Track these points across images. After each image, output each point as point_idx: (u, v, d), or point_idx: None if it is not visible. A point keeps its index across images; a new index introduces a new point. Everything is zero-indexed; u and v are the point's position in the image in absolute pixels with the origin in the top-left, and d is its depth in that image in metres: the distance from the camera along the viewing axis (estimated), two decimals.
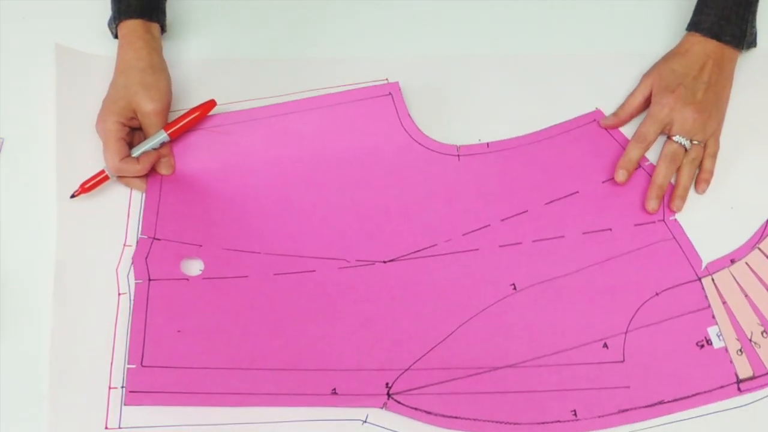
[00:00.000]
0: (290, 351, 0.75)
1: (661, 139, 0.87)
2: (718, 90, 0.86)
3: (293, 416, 0.73)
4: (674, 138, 0.85)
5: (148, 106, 0.81)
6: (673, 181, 0.85)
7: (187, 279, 0.78)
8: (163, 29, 0.88)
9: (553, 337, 0.77)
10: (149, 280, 0.77)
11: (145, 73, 0.82)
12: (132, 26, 0.84)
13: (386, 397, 0.74)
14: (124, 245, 0.80)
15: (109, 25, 0.87)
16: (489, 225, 0.82)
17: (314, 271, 0.79)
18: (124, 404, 0.72)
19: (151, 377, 0.73)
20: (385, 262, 0.80)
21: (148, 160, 0.81)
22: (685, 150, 0.85)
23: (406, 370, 0.75)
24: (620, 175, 0.84)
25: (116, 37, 0.86)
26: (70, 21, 0.92)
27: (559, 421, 0.73)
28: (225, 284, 0.78)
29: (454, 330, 0.77)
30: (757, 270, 0.80)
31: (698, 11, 0.88)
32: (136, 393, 0.72)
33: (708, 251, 0.81)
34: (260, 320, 0.76)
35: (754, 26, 0.89)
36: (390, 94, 0.88)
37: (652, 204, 0.83)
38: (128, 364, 0.74)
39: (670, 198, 0.84)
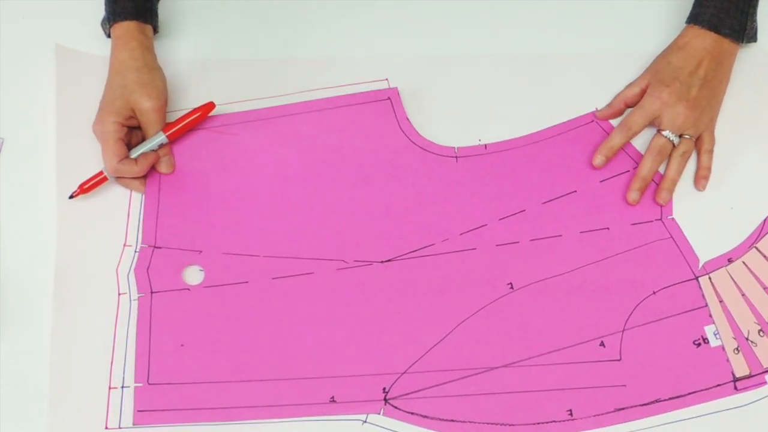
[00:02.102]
0: (290, 360, 0.76)
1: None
2: (714, 86, 0.86)
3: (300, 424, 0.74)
4: (663, 132, 0.85)
5: (146, 103, 0.81)
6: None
7: (188, 289, 0.79)
8: (155, 30, 0.88)
9: (550, 336, 0.77)
10: (152, 292, 0.78)
11: (141, 72, 0.82)
12: (126, 27, 0.84)
13: (383, 402, 0.74)
14: (124, 245, 0.80)
15: (102, 25, 0.88)
16: (486, 225, 0.82)
17: (312, 273, 0.80)
18: (133, 424, 0.73)
19: (157, 395, 0.74)
20: (382, 262, 0.80)
21: (147, 161, 0.82)
22: (673, 145, 0.85)
23: (403, 373, 0.75)
24: (597, 160, 0.85)
25: (109, 36, 0.86)
26: (70, 21, 0.92)
27: (554, 421, 0.74)
28: (225, 292, 0.79)
29: (450, 331, 0.77)
30: (754, 269, 0.80)
31: (698, 4, 0.88)
32: (144, 412, 0.73)
33: (707, 250, 0.81)
34: (260, 329, 0.77)
35: (754, 20, 0.89)
36: (389, 98, 0.88)
37: (632, 195, 0.83)
38: (135, 382, 0.74)
39: (656, 190, 0.84)
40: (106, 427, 0.72)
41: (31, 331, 0.76)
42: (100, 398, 0.73)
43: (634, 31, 0.94)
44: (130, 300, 0.78)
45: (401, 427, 0.73)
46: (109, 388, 0.74)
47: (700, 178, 0.85)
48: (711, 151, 0.86)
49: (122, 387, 0.74)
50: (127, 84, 0.82)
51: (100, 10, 0.86)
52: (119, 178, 0.82)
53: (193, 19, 0.94)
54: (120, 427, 0.72)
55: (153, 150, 0.82)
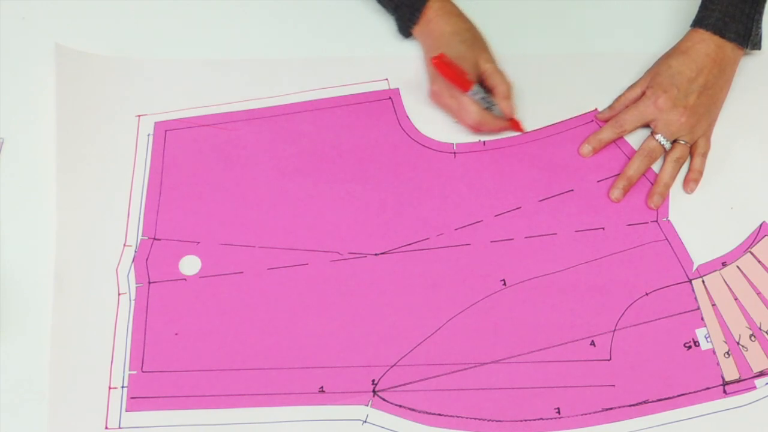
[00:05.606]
0: (281, 349, 0.77)
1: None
2: (714, 92, 0.86)
3: (293, 416, 0.75)
4: (656, 136, 0.85)
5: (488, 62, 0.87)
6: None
7: (185, 279, 0.80)
8: None
9: (541, 333, 0.78)
10: (149, 282, 0.79)
11: (475, 33, 0.89)
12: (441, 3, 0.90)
13: (372, 394, 0.75)
14: (124, 245, 0.81)
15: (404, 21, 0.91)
16: (482, 221, 0.83)
17: (307, 264, 0.81)
18: (126, 411, 0.74)
19: (151, 383, 0.75)
20: (376, 254, 0.81)
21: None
22: (664, 150, 0.85)
23: (393, 366, 0.77)
24: (585, 149, 0.86)
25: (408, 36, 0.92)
26: (70, 21, 0.92)
27: (542, 419, 0.75)
28: (221, 282, 0.80)
29: (441, 325, 0.78)
30: (748, 273, 0.81)
31: (703, 7, 0.88)
32: (137, 399, 0.74)
33: (702, 253, 0.82)
34: (253, 319, 0.78)
35: (759, 27, 0.88)
36: (390, 98, 0.89)
37: (615, 193, 0.84)
38: (129, 370, 0.76)
39: (648, 193, 0.85)
40: (106, 427, 0.73)
41: (31, 331, 0.77)
42: (100, 398, 0.74)
43: (634, 31, 0.94)
44: (130, 300, 0.78)
45: (401, 427, 0.74)
46: (109, 388, 0.75)
47: (690, 181, 0.85)
48: (704, 155, 0.86)
49: (122, 387, 0.75)
50: (467, 41, 0.87)
51: (100, 10, 0.86)
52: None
53: (198, 20, 0.94)
54: (120, 427, 0.73)
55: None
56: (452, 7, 0.89)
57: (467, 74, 0.83)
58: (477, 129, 0.86)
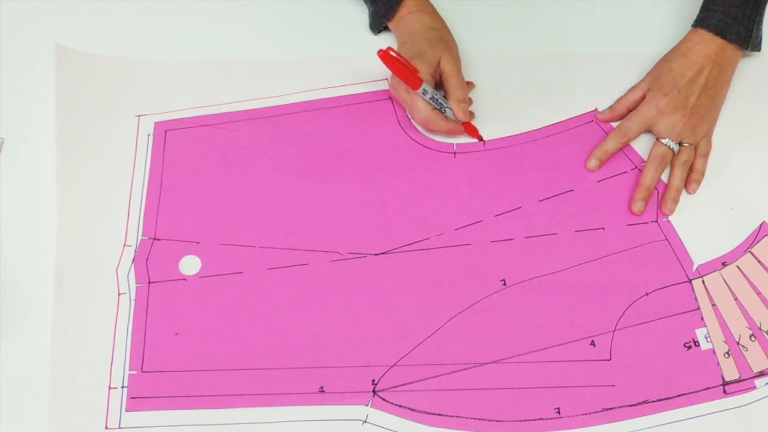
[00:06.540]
0: (281, 349, 0.77)
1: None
2: (714, 93, 0.86)
3: (293, 416, 0.75)
4: (662, 141, 0.85)
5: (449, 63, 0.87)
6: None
7: (185, 279, 0.80)
8: None
9: (541, 333, 0.78)
10: (149, 282, 0.79)
11: (442, 32, 0.89)
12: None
13: (372, 394, 0.75)
14: (124, 245, 0.81)
15: (376, 19, 0.91)
16: (482, 220, 0.83)
17: (307, 264, 0.81)
18: (126, 411, 0.74)
19: (151, 383, 0.75)
20: (376, 254, 0.81)
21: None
22: (674, 153, 0.85)
23: (393, 366, 0.77)
24: (591, 163, 0.86)
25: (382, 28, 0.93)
26: (70, 21, 0.92)
27: (542, 419, 0.75)
28: (220, 282, 0.80)
29: (441, 325, 0.78)
30: (748, 274, 0.81)
31: (705, 8, 0.88)
32: (137, 399, 0.74)
33: (702, 253, 0.81)
34: (253, 319, 0.78)
35: (760, 29, 0.89)
36: (390, 98, 0.89)
37: (638, 206, 0.83)
38: (129, 370, 0.76)
39: (662, 200, 0.84)
40: (106, 427, 0.73)
41: (31, 331, 0.77)
42: (100, 398, 0.74)
43: (634, 31, 0.94)
44: (130, 300, 0.78)
45: (401, 427, 0.74)
46: (109, 388, 0.75)
47: (692, 181, 0.85)
48: (706, 156, 0.86)
49: (122, 387, 0.75)
50: (432, 40, 0.87)
51: (100, 10, 0.86)
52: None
53: (195, 19, 0.94)
54: (120, 427, 0.73)
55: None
56: (426, 6, 0.90)
57: (418, 72, 0.82)
58: (426, 127, 0.86)
